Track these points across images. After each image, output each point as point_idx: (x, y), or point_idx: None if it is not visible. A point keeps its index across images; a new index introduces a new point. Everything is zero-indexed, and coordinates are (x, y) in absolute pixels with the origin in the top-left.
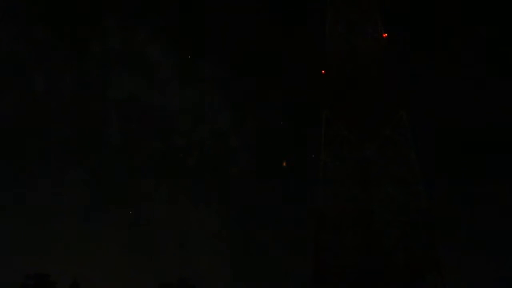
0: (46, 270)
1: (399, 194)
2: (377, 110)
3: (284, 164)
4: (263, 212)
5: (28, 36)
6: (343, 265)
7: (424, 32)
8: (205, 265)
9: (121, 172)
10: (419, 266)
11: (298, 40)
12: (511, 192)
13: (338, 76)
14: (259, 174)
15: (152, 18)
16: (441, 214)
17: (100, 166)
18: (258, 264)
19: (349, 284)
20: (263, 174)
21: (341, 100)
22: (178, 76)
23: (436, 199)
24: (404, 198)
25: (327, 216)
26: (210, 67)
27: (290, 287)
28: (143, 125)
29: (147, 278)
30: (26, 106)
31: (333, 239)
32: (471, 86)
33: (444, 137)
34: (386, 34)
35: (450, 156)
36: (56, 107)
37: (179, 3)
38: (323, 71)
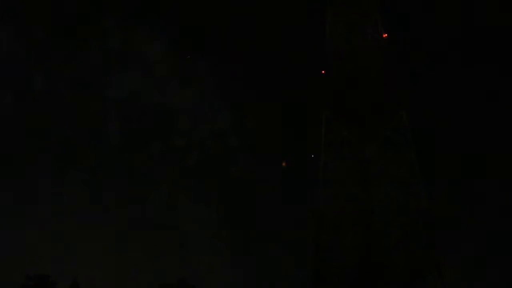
0: (46, 270)
1: (399, 194)
2: (377, 110)
3: (283, 164)
4: (263, 212)
5: (28, 36)
6: (343, 265)
7: (424, 32)
8: (205, 265)
9: (121, 172)
10: (419, 266)
11: (298, 40)
12: (511, 192)
13: (338, 76)
14: (259, 174)
15: (152, 18)
16: (441, 214)
17: (100, 166)
18: (258, 264)
19: (349, 284)
20: (263, 174)
21: (341, 100)
22: (178, 76)
23: (436, 199)
24: (404, 198)
25: (327, 216)
26: (210, 67)
27: (290, 287)
28: (143, 125)
29: (147, 278)
30: (26, 106)
31: (333, 239)
32: (471, 86)
33: (444, 137)
34: (386, 34)
35: (450, 156)
36: (56, 107)
37: (179, 3)
38: (323, 71)
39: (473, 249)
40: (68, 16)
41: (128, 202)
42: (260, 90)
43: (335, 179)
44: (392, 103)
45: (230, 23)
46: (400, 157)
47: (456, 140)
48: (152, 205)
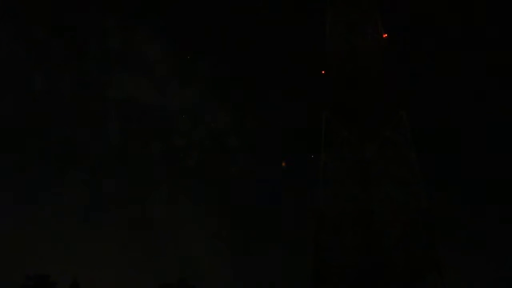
0: (46, 270)
1: (399, 194)
2: (377, 110)
3: (283, 164)
4: (263, 212)
5: (28, 36)
6: (343, 265)
7: (424, 32)
8: (205, 265)
9: (121, 172)
10: (419, 266)
11: (298, 40)
12: (511, 192)
13: (338, 76)
14: (259, 174)
15: (152, 18)
16: (441, 214)
17: (100, 166)
18: (258, 264)
19: (349, 284)
20: (263, 174)
21: (341, 100)
22: (177, 76)
23: (436, 199)
24: (404, 198)
25: (327, 216)
26: (210, 67)
27: (290, 287)
28: (143, 125)
29: (147, 278)
30: (26, 106)
31: (333, 239)
32: (471, 86)
33: (444, 137)
34: (386, 34)
35: (450, 156)
36: (56, 107)
37: (179, 3)
38: (323, 71)
39: (473, 249)
40: (68, 16)
41: (128, 202)
42: (260, 90)
43: (335, 179)
44: (392, 103)
45: (230, 23)
46: (400, 157)
47: (456, 140)
48: (152, 205)
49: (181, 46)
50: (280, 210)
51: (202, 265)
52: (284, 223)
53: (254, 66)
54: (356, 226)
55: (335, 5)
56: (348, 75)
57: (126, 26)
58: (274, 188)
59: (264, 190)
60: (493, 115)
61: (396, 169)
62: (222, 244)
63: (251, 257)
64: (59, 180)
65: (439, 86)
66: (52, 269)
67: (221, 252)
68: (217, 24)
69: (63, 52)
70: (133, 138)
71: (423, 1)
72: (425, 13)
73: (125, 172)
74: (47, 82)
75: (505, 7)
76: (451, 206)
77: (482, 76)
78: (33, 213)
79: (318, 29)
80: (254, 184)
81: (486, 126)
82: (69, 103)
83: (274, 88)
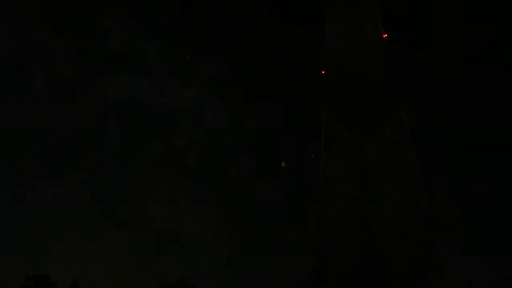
0: (46, 270)
1: (399, 194)
2: (377, 110)
3: (283, 164)
4: (263, 212)
5: (28, 36)
6: (343, 265)
7: (424, 32)
8: (205, 265)
9: (121, 172)
10: (419, 266)
11: (298, 40)
12: (511, 192)
13: (338, 76)
14: (259, 174)
15: (152, 18)
16: (441, 214)
17: (100, 166)
18: (258, 264)
19: (349, 284)
20: (263, 174)
21: (341, 100)
22: (177, 76)
23: (436, 199)
24: (404, 198)
25: (327, 216)
26: (210, 67)
27: (290, 287)
28: (143, 125)
29: (147, 278)
30: (26, 106)
31: (333, 239)
32: (471, 86)
33: (444, 137)
34: (386, 34)
35: (450, 156)
36: (56, 107)
37: (179, 3)
38: (323, 71)
39: (473, 249)
40: (68, 16)
41: (128, 202)
42: (260, 90)
43: (335, 179)
44: (392, 103)
45: (230, 23)
46: (400, 157)
47: (456, 140)
48: (152, 205)
49: (181, 46)
50: (280, 210)
51: (202, 265)
52: (284, 223)
53: (254, 66)
54: (356, 226)
55: (335, 5)
56: (348, 75)
57: (126, 26)
58: (274, 188)
59: (264, 190)
60: (493, 115)
61: (396, 169)
62: (222, 244)
63: (251, 257)
64: (59, 180)
65: (439, 86)
66: (52, 269)
67: (221, 252)
68: (217, 24)
69: (63, 52)
70: (133, 138)
71: (423, 1)
72: (425, 13)
73: (125, 172)
74: (47, 82)
75: (505, 7)
76: (451, 206)
77: (482, 76)
78: (33, 213)
79: (318, 29)
80: (254, 184)
81: (486, 126)
82: (69, 103)
83: (274, 88)
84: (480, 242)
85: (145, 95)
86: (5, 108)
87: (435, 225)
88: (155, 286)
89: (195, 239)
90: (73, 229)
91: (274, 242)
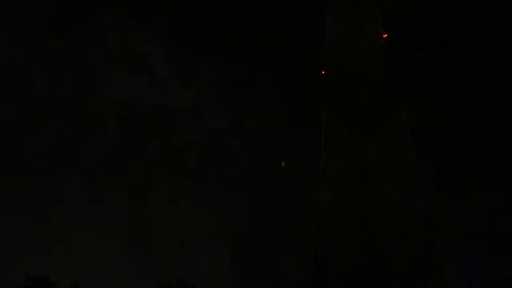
0: (46, 270)
1: (399, 194)
2: (377, 110)
3: (283, 164)
4: (263, 212)
5: (28, 36)
6: (343, 265)
7: (424, 32)
8: (205, 265)
9: (121, 172)
10: (419, 266)
11: (298, 40)
12: (511, 192)
13: (338, 76)
14: (259, 174)
15: (152, 18)
16: (441, 214)
17: (100, 166)
18: (258, 264)
19: (349, 284)
20: (263, 174)
21: (341, 100)
22: (177, 76)
23: (436, 199)
24: (404, 198)
25: (327, 216)
26: (210, 67)
27: (290, 287)
28: (143, 125)
29: (147, 278)
30: (26, 106)
31: (333, 239)
32: (471, 86)
33: (444, 137)
34: (386, 34)
35: (450, 156)
36: (56, 107)
37: (179, 3)
38: (323, 71)
39: (473, 249)
40: (68, 16)
41: (128, 202)
42: (260, 90)
43: (335, 179)
44: (392, 103)
45: (230, 23)
46: (400, 157)
47: (456, 140)
48: (152, 205)
49: (181, 46)
50: (280, 210)
51: (202, 265)
52: (284, 223)
53: (254, 66)
54: (356, 226)
55: (335, 5)
56: (348, 75)
57: (126, 26)
58: (274, 188)
59: (264, 190)
60: (493, 115)
61: (396, 169)
62: (222, 244)
63: (251, 257)
64: (59, 180)
65: (439, 86)
66: (52, 269)
67: (221, 252)
68: (217, 24)
69: (63, 52)
70: (133, 138)
71: (423, 1)
72: (425, 13)
73: (125, 172)
74: (47, 82)
75: (505, 7)
76: (451, 206)
77: (482, 76)
78: (33, 213)
79: (318, 29)
80: (254, 184)
81: (486, 126)
82: (69, 103)
83: (274, 88)
84: (480, 242)
85: (145, 95)
86: (5, 108)
87: (435, 225)
88: (155, 286)
89: (195, 239)
90: (73, 229)
91: (274, 242)
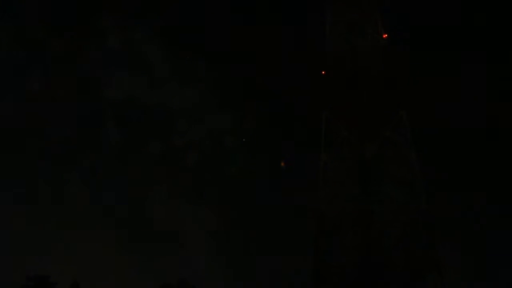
0: (46, 270)
1: (399, 194)
2: (377, 110)
3: (282, 164)
4: (263, 212)
5: (28, 36)
6: (343, 265)
7: (424, 32)
8: (205, 265)
9: (121, 172)
10: (419, 266)
11: (298, 40)
12: (511, 192)
13: (338, 76)
14: (259, 174)
15: (152, 18)
16: (441, 214)
17: (100, 166)
18: (258, 264)
19: (349, 284)
20: (263, 174)
21: (341, 100)
22: (177, 76)
23: (436, 199)
24: (404, 198)
25: (327, 216)
26: (210, 67)
27: (290, 287)
28: (142, 125)
29: (147, 278)
30: (26, 106)
31: (333, 239)
32: (471, 86)
33: (444, 137)
34: (386, 34)
35: (450, 156)
36: (56, 107)
37: (179, 3)
38: (323, 71)
39: (473, 249)
40: (67, 16)
41: (128, 202)
42: (260, 90)
43: (335, 179)
44: (392, 103)
45: (230, 23)
46: (400, 157)
47: (456, 140)
48: (152, 205)
49: (181, 46)
50: (280, 210)
51: (202, 265)
52: (284, 223)
53: (253, 66)
54: (356, 226)
55: (335, 5)
56: (348, 75)
57: (126, 26)
58: (274, 188)
59: (264, 190)
60: (493, 115)
61: (396, 169)
62: (222, 244)
63: (251, 257)
64: (59, 180)
65: (439, 86)
66: (52, 269)
67: (221, 252)
68: (217, 24)
69: (63, 52)
70: (133, 138)
71: (423, 1)
72: (425, 13)
73: (125, 172)
74: (47, 82)
75: (505, 7)
76: (451, 206)
77: (482, 76)
78: (33, 213)
79: (318, 29)
80: (254, 184)
81: (486, 126)
82: (69, 103)
83: (274, 88)
84: (480, 242)
85: (145, 95)
86: (5, 108)
87: (435, 225)
88: (155, 286)
89: (195, 239)
90: (73, 229)
91: (274, 242)
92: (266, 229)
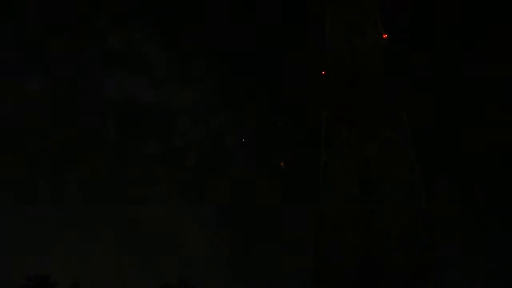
0: (46, 270)
1: (399, 194)
2: (377, 110)
3: (282, 164)
4: (263, 212)
5: (28, 36)
6: (343, 265)
7: (424, 32)
8: (205, 265)
9: (121, 172)
10: (419, 266)
11: (298, 40)
12: (511, 192)
13: (338, 76)
14: (259, 174)
15: (152, 18)
16: (441, 214)
17: (99, 166)
18: (258, 264)
19: (349, 284)
20: (263, 174)
21: (341, 100)
22: (177, 76)
23: (436, 199)
24: (404, 198)
25: (327, 216)
26: (210, 67)
27: (290, 287)
28: (142, 125)
29: (147, 278)
30: (26, 106)
31: (333, 239)
32: (471, 86)
33: (444, 137)
34: (386, 34)
35: (450, 156)
36: (56, 107)
37: (179, 3)
38: (323, 72)
39: (473, 249)
40: (67, 16)
41: (128, 202)
42: (260, 90)
43: (335, 179)
44: (392, 103)
45: (230, 23)
46: (400, 157)
47: (456, 140)
48: (152, 205)
49: (181, 46)
50: (280, 210)
51: (202, 265)
52: (284, 223)
53: (254, 66)
54: (356, 226)
55: (335, 5)
56: (348, 75)
57: (126, 26)
58: (274, 188)
59: (264, 190)
60: (493, 115)
61: (396, 169)
62: (222, 244)
63: (251, 257)
64: (59, 180)
65: (439, 86)
66: (52, 269)
67: (221, 252)
68: (217, 24)
69: (63, 52)
70: (132, 138)
71: (423, 1)
72: (425, 13)
73: (125, 172)
74: (47, 82)
75: (505, 7)
76: (451, 206)
77: (482, 76)
78: (33, 213)
79: (318, 29)
80: (254, 184)
81: (486, 126)
82: (69, 103)
83: (274, 88)
84: (480, 242)
85: (145, 95)
86: (5, 108)
87: (435, 225)
88: (155, 286)
89: (195, 239)
90: (73, 229)
91: (274, 242)
92: (266, 229)
